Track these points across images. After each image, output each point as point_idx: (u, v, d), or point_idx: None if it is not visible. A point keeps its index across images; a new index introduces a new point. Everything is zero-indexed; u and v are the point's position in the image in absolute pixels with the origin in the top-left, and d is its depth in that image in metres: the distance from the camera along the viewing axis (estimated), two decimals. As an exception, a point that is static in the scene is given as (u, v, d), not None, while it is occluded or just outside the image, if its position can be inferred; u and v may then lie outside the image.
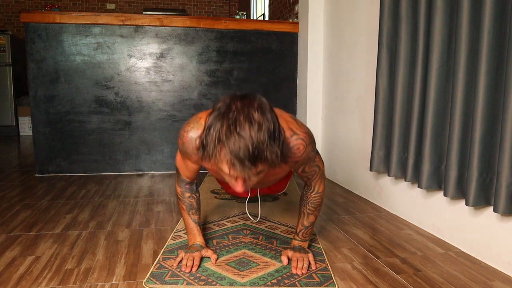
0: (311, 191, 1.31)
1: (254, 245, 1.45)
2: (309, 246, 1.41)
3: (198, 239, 1.35)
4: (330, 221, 1.77)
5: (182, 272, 1.22)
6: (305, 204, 1.33)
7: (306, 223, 1.34)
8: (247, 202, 1.89)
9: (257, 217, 1.76)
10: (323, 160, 2.75)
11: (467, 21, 1.33)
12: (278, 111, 1.17)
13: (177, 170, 1.35)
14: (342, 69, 2.42)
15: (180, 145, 1.21)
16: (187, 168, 1.30)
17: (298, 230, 1.35)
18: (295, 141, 1.11)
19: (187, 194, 1.36)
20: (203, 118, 1.13)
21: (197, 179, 1.39)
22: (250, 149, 0.86)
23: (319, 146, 2.78)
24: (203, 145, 0.92)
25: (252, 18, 6.29)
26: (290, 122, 1.14)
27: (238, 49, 2.86)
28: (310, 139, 1.16)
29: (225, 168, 0.91)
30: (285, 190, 2.08)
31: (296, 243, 1.36)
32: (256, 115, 0.88)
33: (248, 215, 1.78)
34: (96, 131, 2.73)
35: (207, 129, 0.91)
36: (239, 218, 1.76)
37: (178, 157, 1.31)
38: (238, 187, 0.95)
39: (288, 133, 1.11)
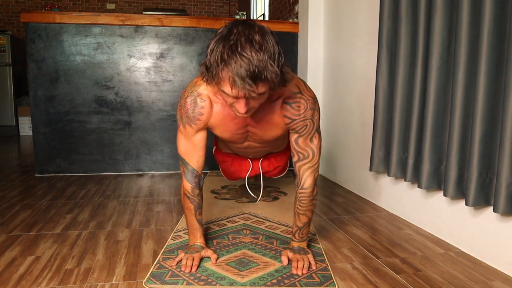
0: (300, 186, 1.28)
1: (254, 245, 1.45)
2: (309, 246, 1.41)
3: (199, 239, 1.34)
4: (330, 221, 1.77)
5: (182, 272, 1.22)
6: (295, 203, 1.31)
7: (299, 224, 1.32)
8: (247, 179, 1.86)
9: (258, 196, 1.73)
10: (324, 161, 2.75)
11: (467, 21, 1.33)
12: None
13: (182, 161, 1.29)
14: (342, 69, 2.42)
15: (183, 117, 1.21)
16: (194, 149, 1.25)
17: (294, 231, 1.35)
18: (297, 99, 1.12)
19: (197, 191, 1.31)
20: (199, 80, 1.17)
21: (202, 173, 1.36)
22: (251, 67, 0.90)
23: (319, 146, 2.78)
24: (206, 67, 0.96)
25: (252, 18, 6.29)
26: (299, 82, 1.15)
27: (238, 49, 2.85)
28: (314, 104, 1.16)
29: (227, 87, 0.95)
30: (285, 173, 2.03)
31: (294, 244, 1.35)
32: (256, 37, 0.92)
33: (250, 192, 1.77)
34: (96, 131, 2.73)
35: (210, 52, 0.95)
36: (239, 218, 1.76)
37: (181, 142, 1.26)
38: (241, 108, 0.99)
39: (293, 89, 1.12)
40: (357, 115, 2.24)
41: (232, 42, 0.91)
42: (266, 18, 5.26)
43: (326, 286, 1.15)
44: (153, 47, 2.75)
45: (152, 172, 2.83)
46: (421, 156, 1.54)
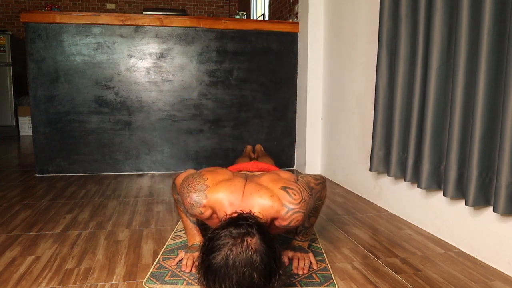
0: (315, 200, 1.31)
1: (254, 245, 1.45)
2: (309, 246, 1.41)
3: (198, 239, 1.35)
4: (330, 221, 1.77)
5: (182, 272, 1.22)
6: None
7: (306, 224, 1.34)
8: None
9: None
10: (324, 161, 2.75)
11: (467, 20, 1.33)
12: (270, 182, 1.15)
13: (174, 184, 1.35)
14: (342, 69, 2.42)
15: (182, 199, 1.19)
16: None
17: (298, 231, 1.36)
18: (292, 216, 1.10)
19: None
20: (210, 188, 1.13)
21: None
22: None
23: (319, 146, 2.78)
24: (201, 280, 0.94)
25: (252, 18, 6.29)
26: (282, 196, 1.11)
27: (238, 49, 2.86)
28: (306, 202, 1.13)
29: None
30: None
31: (296, 243, 1.36)
32: (252, 261, 0.89)
33: None
34: (96, 131, 2.73)
35: (205, 267, 0.92)
36: (239, 218, 1.76)
37: (179, 180, 1.29)
38: None
39: (283, 211, 1.10)
40: (357, 115, 2.24)
41: (228, 269, 0.89)
42: (266, 18, 5.26)
43: (326, 286, 1.15)
44: (153, 47, 2.75)
45: (152, 172, 2.83)
46: (421, 156, 1.54)
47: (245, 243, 0.92)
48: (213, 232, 0.97)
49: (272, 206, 1.10)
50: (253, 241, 0.92)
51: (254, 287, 0.89)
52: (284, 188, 1.13)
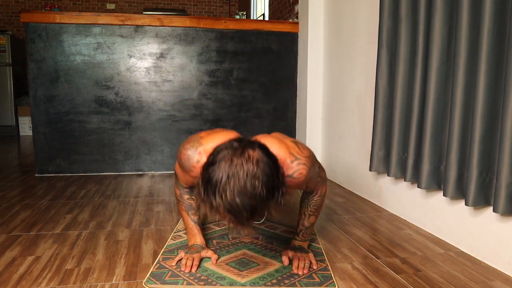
0: (313, 195, 1.31)
1: (254, 245, 1.45)
2: (309, 246, 1.41)
3: (198, 239, 1.35)
4: (330, 221, 1.77)
5: (182, 272, 1.22)
6: (306, 206, 1.32)
7: (306, 224, 1.34)
8: None
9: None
10: (324, 161, 2.75)
11: (467, 20, 1.33)
12: (279, 136, 1.17)
13: (176, 175, 1.35)
14: (342, 69, 2.42)
15: (179, 159, 1.20)
16: (185, 178, 1.29)
17: (298, 230, 1.36)
18: (297, 166, 1.10)
19: (186, 196, 1.36)
20: (204, 138, 1.14)
21: None
22: (248, 207, 0.86)
23: (319, 146, 2.78)
24: (202, 195, 0.90)
25: (252, 18, 6.29)
26: (291, 147, 1.12)
27: (238, 49, 2.86)
28: (311, 161, 1.14)
29: (223, 217, 0.91)
30: None
31: (296, 243, 1.36)
32: (254, 171, 0.86)
33: None
34: (96, 131, 2.73)
35: (205, 181, 0.89)
36: (239, 218, 1.76)
37: (178, 166, 1.29)
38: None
39: (289, 159, 1.09)
40: (357, 115, 2.24)
41: (229, 178, 0.86)
42: (266, 18, 5.26)
43: (326, 286, 1.15)
44: (153, 47, 2.75)
45: (152, 172, 2.83)
46: (421, 156, 1.54)
47: (246, 154, 0.88)
48: (215, 148, 0.94)
49: (279, 152, 1.06)
50: (255, 153, 0.89)
51: (257, 197, 0.85)
52: (294, 142, 1.15)
